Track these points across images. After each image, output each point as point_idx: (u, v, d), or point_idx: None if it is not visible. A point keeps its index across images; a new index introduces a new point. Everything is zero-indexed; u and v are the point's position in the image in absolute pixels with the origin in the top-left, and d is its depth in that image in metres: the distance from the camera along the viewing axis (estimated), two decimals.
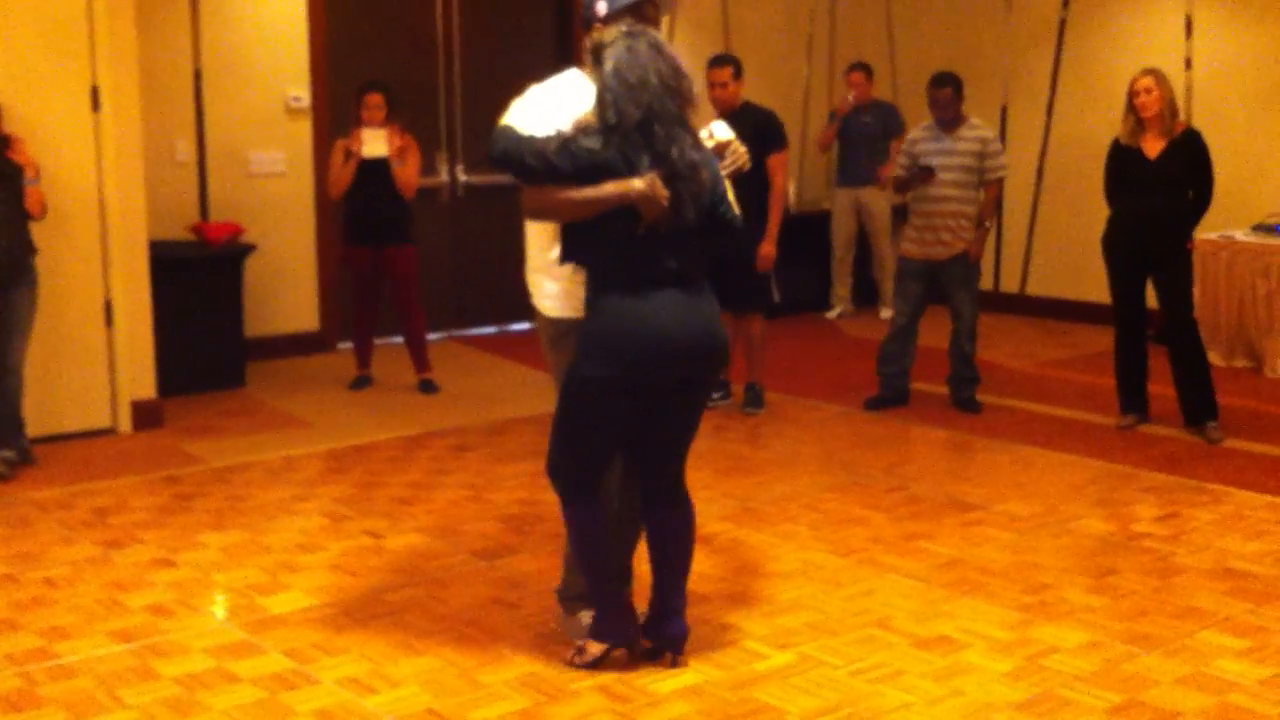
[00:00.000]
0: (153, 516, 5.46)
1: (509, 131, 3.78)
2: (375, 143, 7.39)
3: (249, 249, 7.85)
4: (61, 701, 3.79)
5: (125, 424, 6.75)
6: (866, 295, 10.38)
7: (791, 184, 10.46)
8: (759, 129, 6.95)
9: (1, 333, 5.97)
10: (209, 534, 5.24)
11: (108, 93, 6.53)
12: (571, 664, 4.00)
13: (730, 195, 3.96)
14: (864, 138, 9.67)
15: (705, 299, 3.87)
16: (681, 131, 3.76)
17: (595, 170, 3.67)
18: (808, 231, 10.20)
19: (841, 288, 10.31)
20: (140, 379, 6.79)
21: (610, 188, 3.66)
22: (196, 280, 7.56)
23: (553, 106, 3.85)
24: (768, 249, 7.04)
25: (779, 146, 7.07)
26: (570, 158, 3.67)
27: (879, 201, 9.81)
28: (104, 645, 4.17)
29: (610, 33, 3.79)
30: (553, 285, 3.95)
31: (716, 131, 4.08)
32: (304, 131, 8.51)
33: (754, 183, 6.98)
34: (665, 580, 4.02)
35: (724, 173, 3.99)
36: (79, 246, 6.53)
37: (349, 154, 7.38)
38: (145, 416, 6.79)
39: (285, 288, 8.52)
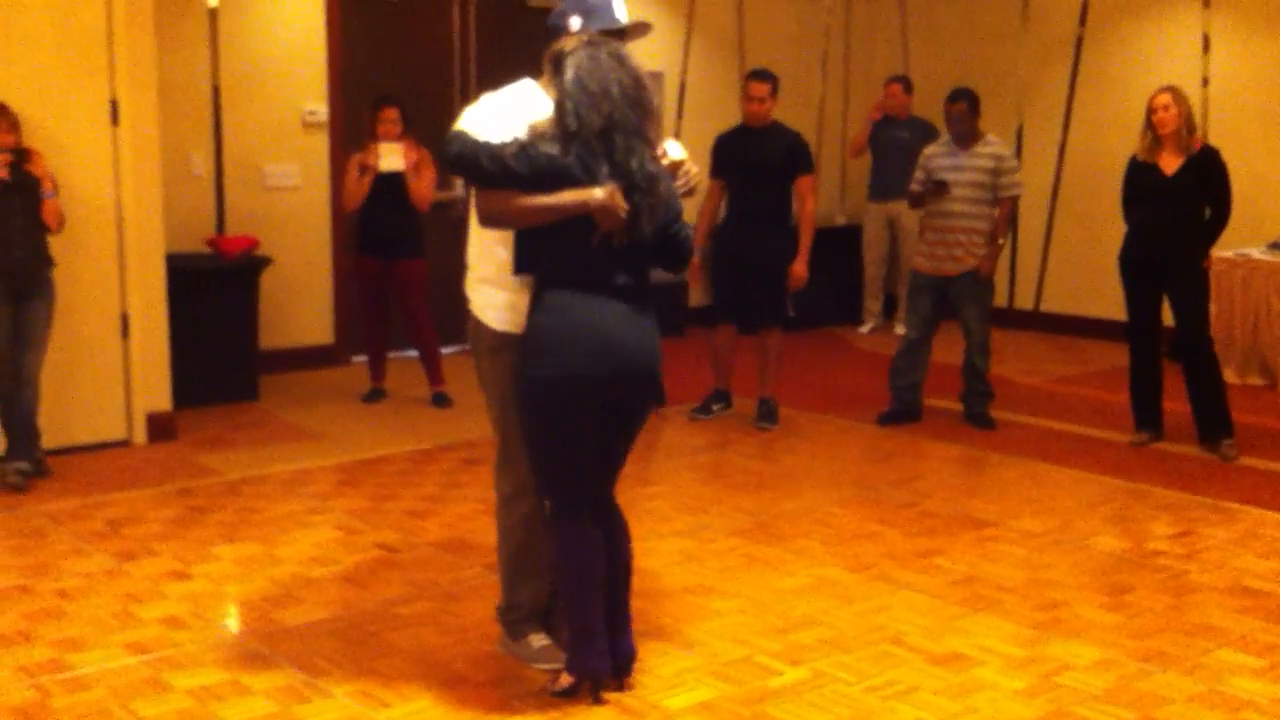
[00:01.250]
0: (166, 528, 5.47)
1: (463, 135, 3.72)
2: (391, 157, 7.41)
3: (264, 262, 7.87)
4: (75, 713, 3.79)
5: (140, 436, 6.77)
6: (888, 309, 10.38)
7: (814, 199, 10.48)
8: (790, 150, 7.09)
9: (18, 345, 6.00)
10: (222, 546, 5.25)
11: (126, 106, 6.56)
12: (546, 691, 3.92)
13: (683, 215, 3.92)
14: (899, 153, 9.46)
15: (649, 318, 3.81)
16: (641, 143, 3.71)
17: (553, 176, 3.62)
18: (823, 246, 10.18)
19: (873, 302, 10.30)
20: (155, 391, 6.81)
21: (570, 196, 3.61)
22: (212, 293, 7.58)
23: (507, 114, 3.81)
24: (800, 269, 7.14)
25: (808, 169, 7.21)
26: (528, 162, 3.61)
27: (911, 216, 9.74)
28: (117, 657, 4.18)
29: (571, 42, 3.75)
30: (501, 296, 3.88)
31: (671, 151, 4.03)
32: (320, 145, 8.55)
33: (777, 200, 7.09)
34: (611, 596, 3.90)
35: (677, 193, 3.95)
36: (96, 259, 6.56)
37: (364, 168, 7.40)
38: (160, 429, 6.81)
39: (300, 301, 8.54)
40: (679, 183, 4.00)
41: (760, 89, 7.12)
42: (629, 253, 3.73)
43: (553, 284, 3.71)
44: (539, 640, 4.10)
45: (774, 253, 7.14)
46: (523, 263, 3.75)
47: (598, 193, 3.61)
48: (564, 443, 3.78)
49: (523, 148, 3.64)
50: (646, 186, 3.68)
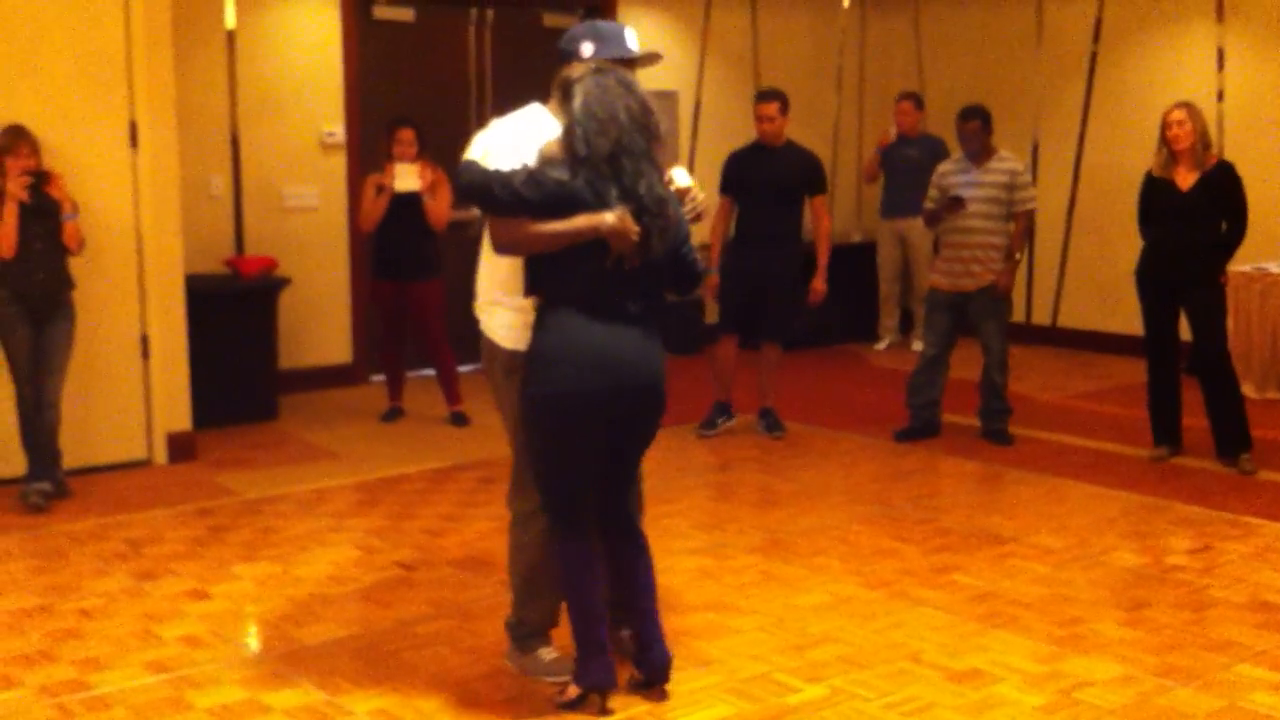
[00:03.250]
0: (186, 548, 5.50)
1: (473, 165, 3.80)
2: (407, 177, 7.44)
3: (283, 282, 7.92)
4: None
5: (160, 456, 6.80)
6: (903, 326, 10.38)
7: (830, 217, 10.50)
8: (805, 170, 7.17)
9: (39, 366, 6.04)
10: (242, 565, 5.28)
11: (145, 129, 6.61)
12: (553, 702, 3.96)
13: (690, 239, 3.98)
14: (909, 170, 9.48)
15: (655, 339, 3.89)
16: (649, 167, 3.78)
17: (563, 202, 3.68)
18: (839, 263, 10.17)
19: (889, 319, 10.30)
20: (175, 411, 6.85)
21: (581, 221, 3.67)
22: (231, 313, 7.62)
23: (517, 139, 3.87)
24: (819, 284, 7.33)
25: (822, 189, 7.35)
26: (538, 188, 3.68)
27: (921, 233, 9.72)
28: (138, 676, 4.20)
29: (579, 69, 3.81)
30: (512, 316, 3.95)
31: (678, 178, 4.09)
32: (338, 166, 8.59)
33: (790, 219, 7.17)
34: (637, 612, 4.02)
35: (685, 218, 4.02)
36: (116, 281, 6.61)
37: (381, 188, 7.44)
38: (179, 449, 6.84)
39: (318, 321, 8.58)
40: (686, 209, 4.05)
41: (769, 108, 7.18)
42: (640, 275, 3.79)
43: (558, 304, 3.78)
44: (549, 653, 4.15)
45: (786, 271, 7.22)
46: (535, 285, 3.82)
47: (608, 217, 3.67)
48: (566, 459, 3.86)
49: (531, 174, 3.71)
50: (656, 209, 3.75)
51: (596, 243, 3.70)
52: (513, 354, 3.95)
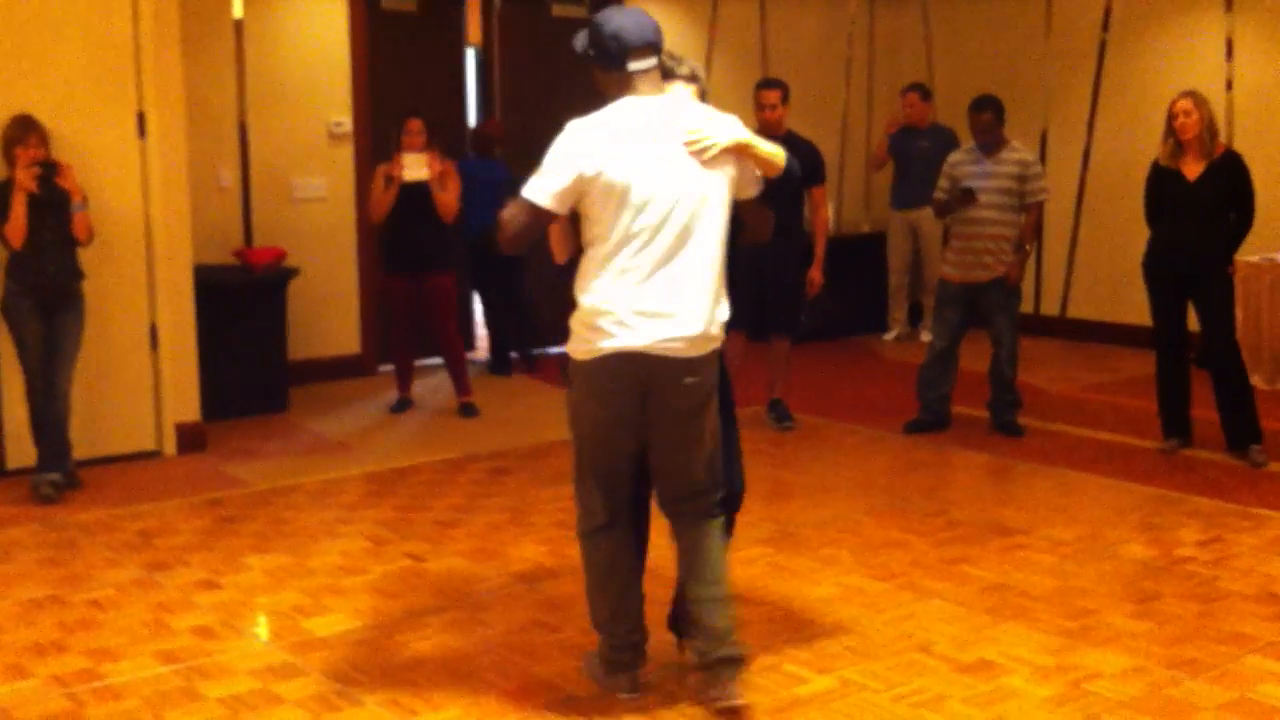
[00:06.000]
0: (197, 539, 5.51)
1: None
2: (416, 167, 7.44)
3: (292, 273, 7.92)
4: None
5: (170, 447, 6.82)
6: (912, 318, 10.38)
7: (830, 208, 10.50)
8: (807, 160, 7.08)
9: (49, 357, 6.05)
10: (252, 556, 5.29)
11: (154, 120, 6.62)
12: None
13: None
14: (920, 161, 9.42)
15: None
16: None
17: None
18: (848, 255, 10.20)
19: (898, 310, 10.30)
20: (185, 402, 6.86)
21: None
22: (240, 304, 7.63)
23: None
24: (816, 275, 7.31)
25: (822, 180, 7.30)
26: None
27: (933, 224, 9.67)
28: (150, 666, 4.21)
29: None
30: None
31: None
32: (346, 157, 8.60)
33: (791, 210, 7.13)
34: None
35: None
36: (125, 271, 6.62)
37: (390, 179, 7.44)
38: (189, 440, 6.86)
39: (327, 311, 8.59)
40: None
41: (771, 96, 7.13)
42: None
43: None
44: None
45: (789, 263, 7.16)
46: None
47: None
48: None
49: None
50: None
51: None
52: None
